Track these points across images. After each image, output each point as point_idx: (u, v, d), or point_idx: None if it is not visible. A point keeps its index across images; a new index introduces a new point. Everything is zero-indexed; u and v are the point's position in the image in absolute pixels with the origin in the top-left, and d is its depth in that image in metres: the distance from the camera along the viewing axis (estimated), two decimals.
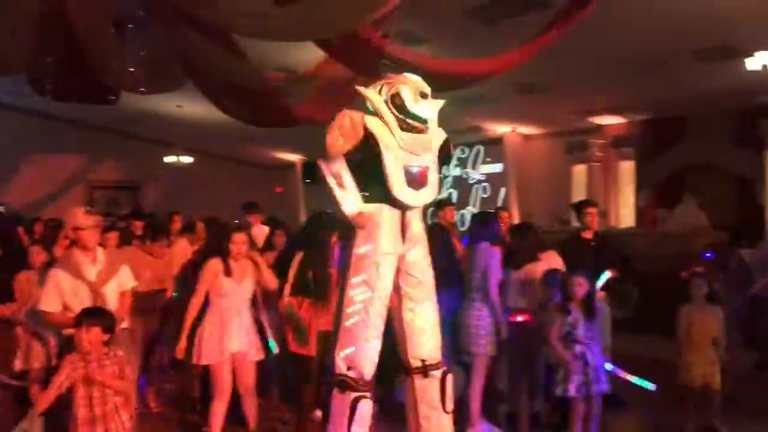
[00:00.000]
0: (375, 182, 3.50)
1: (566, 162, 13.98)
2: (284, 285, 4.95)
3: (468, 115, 12.70)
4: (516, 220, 10.92)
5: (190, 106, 13.16)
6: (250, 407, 4.75)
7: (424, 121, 3.54)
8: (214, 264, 4.63)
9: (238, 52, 6.33)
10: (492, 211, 6.83)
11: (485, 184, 15.45)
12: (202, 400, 5.26)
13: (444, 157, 3.72)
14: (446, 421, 3.61)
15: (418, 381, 3.58)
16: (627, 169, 13.29)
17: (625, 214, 13.11)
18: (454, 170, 15.67)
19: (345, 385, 3.35)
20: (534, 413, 5.20)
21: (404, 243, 3.56)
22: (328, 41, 6.51)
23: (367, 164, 3.49)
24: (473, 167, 15.61)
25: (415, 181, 3.51)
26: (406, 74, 3.66)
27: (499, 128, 14.71)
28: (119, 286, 4.43)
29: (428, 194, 3.59)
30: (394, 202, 3.50)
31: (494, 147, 15.05)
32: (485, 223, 5.28)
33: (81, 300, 4.14)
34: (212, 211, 9.42)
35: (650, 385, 4.75)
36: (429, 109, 3.57)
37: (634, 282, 5.75)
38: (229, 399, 4.64)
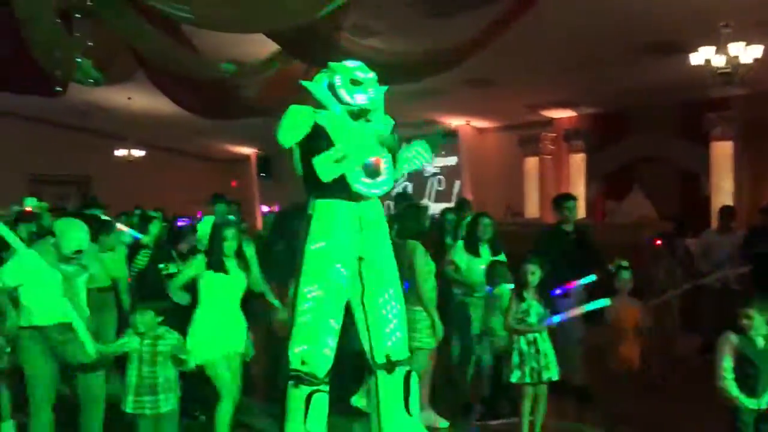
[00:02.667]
0: None
1: (519, 155, 14.13)
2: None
3: (423, 109, 12.78)
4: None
5: (141, 99, 12.91)
6: None
7: (359, 108, 3.48)
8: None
9: (188, 43, 6.25)
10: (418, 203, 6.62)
11: (440, 176, 15.55)
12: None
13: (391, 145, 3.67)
14: (409, 423, 3.50)
15: (382, 378, 3.48)
16: (577, 161, 13.50)
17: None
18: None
19: (299, 380, 3.33)
20: (483, 399, 5.27)
21: (363, 233, 3.49)
22: (281, 33, 6.48)
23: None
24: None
25: (370, 170, 3.48)
26: (342, 62, 3.57)
27: (454, 121, 14.84)
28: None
29: (384, 184, 3.56)
30: (350, 194, 3.46)
31: (449, 140, 15.19)
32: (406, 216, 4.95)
33: None
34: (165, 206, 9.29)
35: (605, 302, 4.71)
36: (365, 96, 3.49)
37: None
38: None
